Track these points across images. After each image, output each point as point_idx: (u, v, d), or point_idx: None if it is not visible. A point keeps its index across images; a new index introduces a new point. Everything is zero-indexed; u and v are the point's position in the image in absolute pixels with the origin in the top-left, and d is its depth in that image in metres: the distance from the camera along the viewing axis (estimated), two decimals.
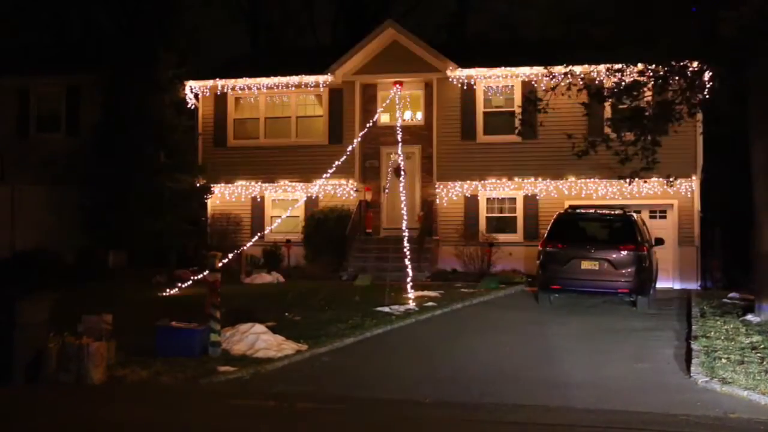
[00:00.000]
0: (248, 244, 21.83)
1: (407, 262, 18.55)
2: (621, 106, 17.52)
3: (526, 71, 22.68)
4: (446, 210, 23.42)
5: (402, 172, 22.64)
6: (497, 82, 23.42)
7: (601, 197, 21.54)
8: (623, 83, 16.55)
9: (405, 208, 20.22)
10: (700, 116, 19.11)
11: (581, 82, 16.84)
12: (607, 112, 19.50)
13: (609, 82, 17.57)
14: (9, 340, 10.28)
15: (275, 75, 24.54)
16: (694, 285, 21.45)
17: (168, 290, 18.87)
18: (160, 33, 26.97)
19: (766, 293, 15.30)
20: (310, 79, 24.12)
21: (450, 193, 23.40)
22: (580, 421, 8.80)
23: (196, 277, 18.57)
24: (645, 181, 17.50)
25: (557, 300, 17.49)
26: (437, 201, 23.52)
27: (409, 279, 17.94)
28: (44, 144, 25.67)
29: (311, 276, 21.96)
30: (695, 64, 16.29)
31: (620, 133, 17.40)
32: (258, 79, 24.63)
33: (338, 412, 9.19)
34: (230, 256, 18.84)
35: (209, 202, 24.81)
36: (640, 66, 16.21)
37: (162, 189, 23.27)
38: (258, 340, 12.35)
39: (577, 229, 17.35)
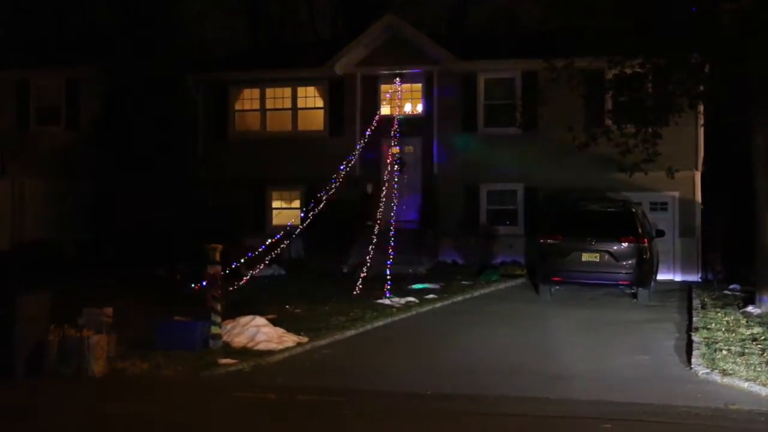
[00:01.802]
0: (249, 237, 21.80)
1: (408, 254, 18.55)
2: (621, 98, 17.49)
3: (526, 63, 22.58)
4: (447, 202, 23.33)
5: (403, 165, 22.58)
6: (498, 74, 23.33)
7: (602, 189, 21.51)
8: (624, 75, 16.52)
9: (406, 201, 20.21)
10: (701, 108, 19.07)
11: (582, 74, 16.80)
12: (608, 103, 19.47)
13: (610, 74, 17.54)
14: (10, 334, 10.28)
15: (276, 68, 24.49)
16: (694, 277, 21.43)
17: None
18: (161, 26, 26.93)
19: (766, 285, 15.31)
20: (311, 71, 24.05)
21: (450, 185, 23.32)
22: (582, 412, 8.81)
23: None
24: (646, 173, 17.48)
25: (558, 292, 17.49)
26: (438, 193, 23.45)
27: (410, 271, 17.94)
28: (44, 137, 25.60)
29: (312, 268, 21.95)
30: (696, 56, 16.24)
31: (621, 125, 17.39)
32: (258, 72, 24.58)
33: (339, 404, 9.19)
34: (230, 248, 18.80)
35: (210, 194, 24.77)
36: (640, 58, 16.18)
37: (163, 182, 23.23)
38: (259, 332, 12.33)
39: (577, 221, 17.31)
